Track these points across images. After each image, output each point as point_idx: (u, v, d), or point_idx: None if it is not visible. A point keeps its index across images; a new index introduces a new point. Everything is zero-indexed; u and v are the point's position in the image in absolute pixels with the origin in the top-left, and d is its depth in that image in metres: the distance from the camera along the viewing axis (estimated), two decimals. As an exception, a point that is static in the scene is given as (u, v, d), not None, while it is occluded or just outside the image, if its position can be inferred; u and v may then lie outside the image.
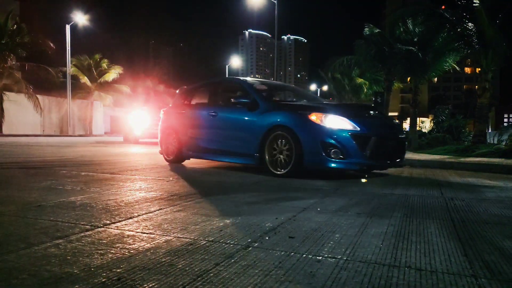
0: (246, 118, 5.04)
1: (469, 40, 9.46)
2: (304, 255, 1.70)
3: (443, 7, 10.56)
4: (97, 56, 30.96)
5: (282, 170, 4.56)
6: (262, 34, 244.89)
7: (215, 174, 4.93)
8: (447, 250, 1.82)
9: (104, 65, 30.85)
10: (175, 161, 6.29)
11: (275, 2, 23.11)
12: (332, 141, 4.22)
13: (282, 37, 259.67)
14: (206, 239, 1.93)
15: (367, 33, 13.30)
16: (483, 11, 8.49)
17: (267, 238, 1.96)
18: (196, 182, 4.17)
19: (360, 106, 5.54)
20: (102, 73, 30.72)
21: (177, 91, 6.87)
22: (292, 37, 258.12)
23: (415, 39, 12.34)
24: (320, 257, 1.67)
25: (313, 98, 6.44)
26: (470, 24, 9.20)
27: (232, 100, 5.23)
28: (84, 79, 29.87)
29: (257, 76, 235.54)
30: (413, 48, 11.65)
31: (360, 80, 23.85)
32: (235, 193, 3.42)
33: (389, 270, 1.53)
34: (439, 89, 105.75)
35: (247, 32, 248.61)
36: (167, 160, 6.41)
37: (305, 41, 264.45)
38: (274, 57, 26.31)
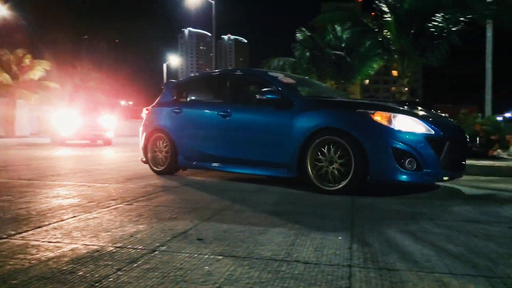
0: (277, 119, 4.10)
1: (388, 48, 10.28)
2: (207, 256, 1.82)
3: (372, 13, 11.30)
4: (20, 52, 28.73)
5: (335, 185, 3.62)
6: (202, 33, 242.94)
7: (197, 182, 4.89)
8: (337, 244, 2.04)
9: (27, 61, 28.68)
10: (167, 171, 5.18)
11: (213, 2, 23.15)
12: (407, 148, 3.39)
13: (223, 36, 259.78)
14: (115, 245, 1.97)
15: (300, 37, 13.90)
16: (393, 23, 9.34)
17: (175, 241, 2.06)
18: (135, 188, 4.14)
19: (411, 103, 4.37)
20: (26, 69, 28.56)
21: (165, 85, 5.81)
22: (232, 37, 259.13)
23: (343, 45, 13.11)
24: (221, 256, 1.81)
25: (342, 94, 5.57)
26: (388, 33, 10.00)
27: (257, 96, 4.16)
28: (3, 76, 27.55)
29: (197, 74, 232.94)
30: (342, 53, 12.40)
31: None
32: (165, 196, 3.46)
33: (279, 264, 1.70)
34: (370, 90, 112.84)
35: (186, 31, 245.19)
36: (155, 171, 5.28)
37: (246, 41, 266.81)
38: (213, 56, 26.28)
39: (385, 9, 9.70)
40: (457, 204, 3.23)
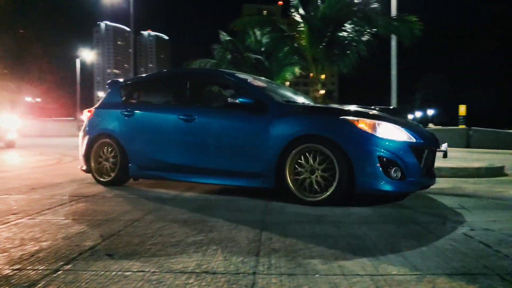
0: (251, 124, 3.85)
1: (303, 55, 10.87)
2: (114, 272, 1.80)
3: (293, 17, 11.75)
4: None
5: (317, 196, 3.46)
6: (120, 28, 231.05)
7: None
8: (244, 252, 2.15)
9: None
10: (116, 182, 4.64)
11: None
12: (392, 156, 3.31)
13: (142, 32, 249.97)
14: (12, 267, 1.86)
15: (222, 39, 14.02)
16: (306, 32, 9.97)
17: (81, 259, 1.99)
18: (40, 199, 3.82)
19: (389, 110, 4.18)
20: None
21: (110, 85, 5.25)
22: (153, 33, 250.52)
23: (263, 49, 13.49)
24: (129, 272, 1.80)
25: (309, 99, 5.26)
26: (303, 41, 10.59)
27: (229, 100, 3.88)
28: None
29: (115, 71, 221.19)
30: (261, 57, 12.77)
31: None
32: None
33: (188, 277, 1.75)
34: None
35: (103, 24, 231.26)
36: (100, 182, 4.71)
37: (167, 38, 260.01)
38: (132, 52, 25.17)
39: (298, 18, 10.27)
40: (358, 207, 3.56)
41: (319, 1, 10.55)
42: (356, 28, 10.13)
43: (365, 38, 10.22)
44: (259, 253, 2.12)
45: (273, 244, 2.29)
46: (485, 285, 1.67)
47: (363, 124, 3.40)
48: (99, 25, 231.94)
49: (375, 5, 10.03)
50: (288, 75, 13.57)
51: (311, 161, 3.50)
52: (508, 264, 1.93)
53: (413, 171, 3.39)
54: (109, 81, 5.37)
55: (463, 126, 19.90)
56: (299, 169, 3.55)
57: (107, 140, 4.73)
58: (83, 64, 44.70)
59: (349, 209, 3.35)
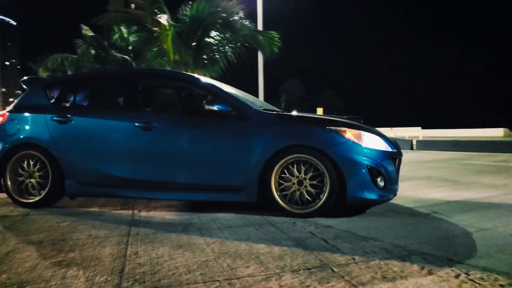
0: (228, 133, 3.59)
1: (172, 57, 10.89)
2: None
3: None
4: None
5: (305, 208, 3.39)
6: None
7: None
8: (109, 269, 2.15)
9: None
10: (46, 201, 3.90)
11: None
12: (378, 166, 3.36)
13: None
14: None
15: (85, 34, 12.98)
16: (171, 35, 10.09)
17: None
18: None
19: (358, 119, 4.19)
20: None
21: (28, 83, 4.31)
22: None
23: (130, 47, 12.97)
24: None
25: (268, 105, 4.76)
26: (169, 44, 10.60)
27: (206, 107, 3.60)
28: None
29: None
30: (128, 57, 12.25)
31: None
32: None
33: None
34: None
35: None
36: (21, 204, 3.91)
37: (15, 24, 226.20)
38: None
39: (164, 21, 10.28)
40: (223, 212, 3.80)
41: (188, 6, 10.70)
42: (221, 35, 10.62)
43: (232, 45, 10.77)
44: (124, 269, 2.14)
45: (139, 259, 2.33)
46: (320, 277, 2.03)
47: (350, 134, 3.42)
48: None
49: (238, 16, 10.68)
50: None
51: (299, 172, 3.42)
52: (340, 256, 2.37)
53: (393, 179, 3.49)
54: (25, 78, 4.43)
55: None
56: (286, 180, 3.45)
57: (31, 151, 3.94)
58: None
59: (216, 215, 3.56)
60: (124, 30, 12.42)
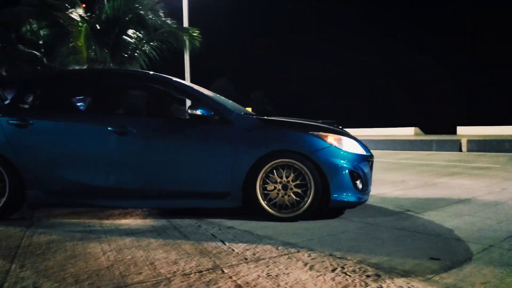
0: (211, 140, 3.51)
1: (85, 54, 10.40)
2: None
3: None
4: None
5: (292, 212, 3.43)
6: None
7: None
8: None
9: None
10: (5, 211, 3.53)
11: None
12: (358, 169, 3.48)
13: None
14: None
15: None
16: (84, 32, 9.67)
17: None
18: None
19: (332, 124, 4.19)
20: None
21: None
22: None
23: (41, 42, 12.08)
24: None
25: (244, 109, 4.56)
26: (82, 41, 10.12)
27: (189, 111, 3.46)
28: None
29: None
30: (37, 53, 11.40)
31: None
32: None
33: None
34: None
35: None
36: None
37: None
38: None
39: (76, 17, 9.78)
40: (128, 218, 3.74)
41: (105, 1, 10.28)
42: (140, 34, 10.38)
43: (154, 43, 10.55)
44: (3, 285, 2.04)
45: (24, 272, 2.23)
46: (208, 279, 2.11)
47: (332, 139, 3.52)
48: None
49: (162, 13, 10.52)
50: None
51: (283, 176, 3.46)
52: (233, 257, 2.48)
53: (369, 181, 3.64)
54: None
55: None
56: (271, 185, 3.47)
57: None
58: None
59: (121, 221, 3.50)
60: (34, 24, 11.51)
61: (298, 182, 3.44)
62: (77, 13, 9.68)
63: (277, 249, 2.63)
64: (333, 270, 2.23)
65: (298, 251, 2.58)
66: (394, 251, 2.55)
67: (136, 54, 10.51)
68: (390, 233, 3.01)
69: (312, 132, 3.53)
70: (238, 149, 3.46)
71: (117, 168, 3.57)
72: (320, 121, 4.37)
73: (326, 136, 3.52)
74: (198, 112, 3.49)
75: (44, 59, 11.42)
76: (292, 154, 3.44)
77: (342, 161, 3.44)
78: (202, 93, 3.79)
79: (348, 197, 3.43)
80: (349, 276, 2.15)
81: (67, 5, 9.72)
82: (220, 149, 3.50)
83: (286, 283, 2.05)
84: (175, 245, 2.74)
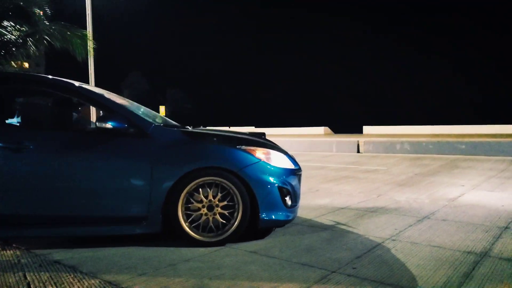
0: (126, 156, 3.03)
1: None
2: None
3: None
4: None
5: (218, 235, 3.03)
6: None
7: None
8: None
9: None
10: None
11: None
12: (287, 185, 3.21)
13: None
14: None
15: None
16: None
17: None
18: None
19: (259, 135, 3.85)
20: None
21: None
22: None
23: None
24: None
25: (158, 116, 3.92)
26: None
27: (98, 124, 2.97)
28: None
29: None
30: None
31: None
32: None
33: None
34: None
35: None
36: None
37: None
38: None
39: None
40: None
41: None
42: (23, 27, 9.17)
43: (34, 39, 9.40)
44: None
45: None
46: None
47: (260, 153, 3.22)
48: None
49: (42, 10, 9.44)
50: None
51: (210, 196, 3.07)
52: None
53: (298, 196, 3.39)
54: None
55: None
56: (194, 206, 3.05)
57: None
58: None
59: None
60: None
61: (225, 203, 3.09)
62: None
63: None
64: None
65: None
66: None
67: (14, 50, 9.20)
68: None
69: (240, 147, 3.21)
70: (155, 167, 3.01)
71: (12, 192, 2.98)
72: (248, 132, 4.10)
73: (254, 150, 3.22)
74: (109, 125, 3.00)
75: None
76: (218, 171, 3.09)
77: (271, 178, 3.17)
78: (113, 102, 3.29)
79: (277, 215, 3.17)
80: None
81: None
82: (133, 167, 3.04)
83: None
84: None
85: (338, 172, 7.97)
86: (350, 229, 3.53)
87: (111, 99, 3.39)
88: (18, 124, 3.41)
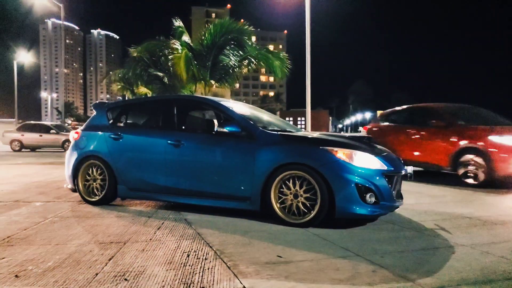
0: (239, 152, 4.12)
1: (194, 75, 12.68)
2: None
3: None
4: None
5: (300, 218, 3.75)
6: (69, 26, 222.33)
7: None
8: None
9: None
10: (104, 201, 4.81)
11: None
12: (367, 183, 3.65)
13: (92, 31, 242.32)
14: None
15: (130, 54, 15.23)
16: (184, 57, 11.68)
17: None
18: None
19: (363, 138, 4.42)
20: None
21: (96, 107, 5.34)
22: (103, 32, 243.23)
23: (166, 67, 14.93)
24: None
25: (289, 125, 5.30)
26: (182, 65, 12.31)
27: (217, 129, 4.22)
28: None
29: (64, 70, 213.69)
30: (160, 74, 14.34)
31: (143, 90, 25.71)
32: None
33: None
34: (240, 93, 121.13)
35: (50, 22, 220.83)
36: (88, 202, 4.86)
37: (118, 37, 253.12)
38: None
39: (177, 46, 11.95)
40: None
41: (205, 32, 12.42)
42: (238, 53, 12.05)
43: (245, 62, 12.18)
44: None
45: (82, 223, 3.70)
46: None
47: (342, 154, 3.72)
48: (46, 23, 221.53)
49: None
50: (191, 90, 15.04)
51: (295, 186, 3.78)
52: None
53: (386, 195, 3.71)
54: (95, 103, 5.46)
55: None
56: (284, 193, 3.83)
57: (95, 161, 4.87)
58: (20, 65, 43.01)
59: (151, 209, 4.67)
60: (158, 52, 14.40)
61: (307, 191, 3.73)
62: (178, 43, 12.01)
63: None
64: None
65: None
66: None
67: (230, 71, 12.23)
68: None
69: (323, 147, 3.80)
70: (257, 161, 3.95)
71: (174, 173, 4.43)
72: (348, 135, 4.61)
73: (336, 151, 3.74)
74: (225, 129, 4.13)
75: (165, 79, 14.28)
76: (302, 166, 3.74)
77: (349, 175, 3.62)
78: (235, 113, 4.35)
79: (355, 209, 3.59)
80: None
81: (171, 38, 12.22)
82: (244, 161, 4.03)
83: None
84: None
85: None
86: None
87: (235, 111, 4.42)
88: (182, 128, 4.80)
